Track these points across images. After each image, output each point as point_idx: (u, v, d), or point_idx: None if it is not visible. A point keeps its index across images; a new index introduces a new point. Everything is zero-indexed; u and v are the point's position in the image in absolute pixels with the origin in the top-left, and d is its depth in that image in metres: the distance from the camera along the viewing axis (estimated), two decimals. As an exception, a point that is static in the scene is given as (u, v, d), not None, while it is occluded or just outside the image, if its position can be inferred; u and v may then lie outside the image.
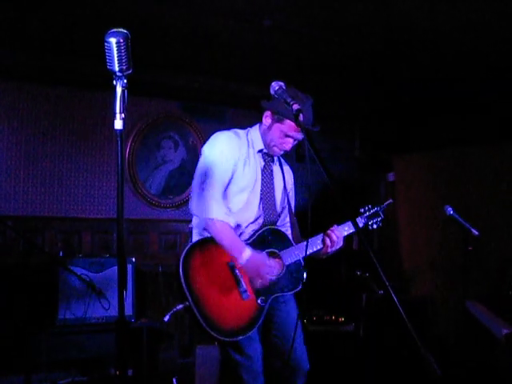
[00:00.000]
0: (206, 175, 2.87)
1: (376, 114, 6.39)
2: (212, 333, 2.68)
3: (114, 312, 4.55)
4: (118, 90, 1.82)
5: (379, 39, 4.52)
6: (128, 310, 4.64)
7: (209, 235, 2.87)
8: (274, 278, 2.86)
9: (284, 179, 3.15)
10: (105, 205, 5.36)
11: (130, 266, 4.70)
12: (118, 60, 1.76)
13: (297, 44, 4.66)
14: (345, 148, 6.50)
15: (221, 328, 2.71)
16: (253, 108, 5.62)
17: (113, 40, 1.74)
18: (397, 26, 4.24)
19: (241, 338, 2.75)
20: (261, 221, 3.01)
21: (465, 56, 4.78)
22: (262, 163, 3.05)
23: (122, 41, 1.75)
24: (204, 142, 5.95)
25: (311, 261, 3.05)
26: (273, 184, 3.08)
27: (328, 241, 2.97)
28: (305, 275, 3.00)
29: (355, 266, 5.37)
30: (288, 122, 2.86)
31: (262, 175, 3.03)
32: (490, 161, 5.49)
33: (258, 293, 2.85)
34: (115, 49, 1.75)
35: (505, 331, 3.59)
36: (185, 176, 5.71)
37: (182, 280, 2.70)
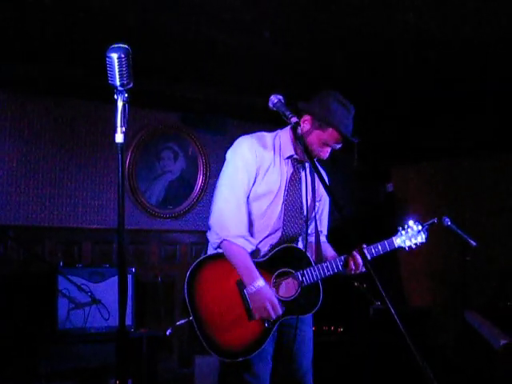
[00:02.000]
0: (228, 186, 2.73)
1: (375, 125, 6.42)
2: (212, 352, 2.59)
3: (113, 322, 4.55)
4: (119, 104, 1.84)
5: (377, 48, 4.55)
6: (128, 320, 4.64)
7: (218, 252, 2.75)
8: (280, 313, 2.65)
9: (314, 187, 2.88)
10: (105, 215, 5.38)
11: (129, 276, 4.71)
12: (119, 75, 1.78)
13: (296, 54, 4.69)
14: (343, 159, 6.51)
15: (221, 347, 2.61)
16: (253, 119, 5.71)
17: (114, 55, 1.76)
18: (395, 35, 4.27)
19: (241, 359, 2.60)
20: (279, 234, 2.80)
21: (465, 65, 4.80)
22: (291, 170, 2.83)
23: (123, 56, 1.77)
24: (204, 153, 6.00)
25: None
26: (300, 194, 2.83)
27: (352, 264, 2.73)
28: (320, 298, 2.78)
29: (354, 277, 5.38)
30: (330, 130, 2.67)
31: (289, 183, 2.81)
32: (488, 172, 5.52)
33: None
34: (116, 64, 1.77)
35: (503, 342, 3.60)
36: (184, 186, 5.74)
37: (186, 295, 2.63)
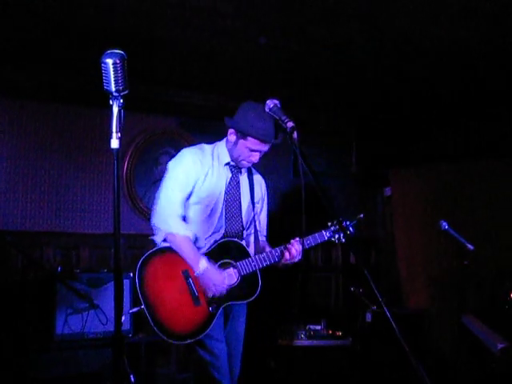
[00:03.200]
0: (168, 190, 3.06)
1: (372, 129, 6.43)
2: (161, 335, 2.87)
3: (112, 327, 4.51)
4: (115, 109, 1.85)
5: (374, 53, 4.56)
6: (126, 325, 4.65)
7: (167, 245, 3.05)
8: (224, 289, 3.00)
9: (252, 189, 3.27)
10: (103, 220, 5.38)
11: (127, 281, 4.70)
12: (114, 81, 1.79)
13: (292, 61, 4.71)
14: (341, 163, 6.53)
15: (170, 331, 2.90)
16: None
17: (109, 61, 1.77)
18: (391, 40, 4.29)
19: (189, 341, 2.93)
20: (223, 231, 3.14)
21: (461, 71, 4.82)
22: (229, 175, 3.20)
23: (118, 62, 1.78)
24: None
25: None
26: (239, 195, 3.22)
27: (287, 255, 3.07)
28: (259, 286, 3.11)
29: (353, 280, 5.38)
30: (250, 138, 3.02)
31: (228, 187, 3.17)
32: (485, 175, 5.53)
33: (210, 301, 3.00)
34: (112, 70, 1.78)
35: (500, 345, 3.59)
36: (182, 191, 5.74)
37: (138, 285, 2.92)
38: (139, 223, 5.53)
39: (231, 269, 3.07)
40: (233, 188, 3.21)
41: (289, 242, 3.10)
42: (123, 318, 3.19)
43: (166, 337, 2.89)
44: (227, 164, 3.20)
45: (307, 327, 5.14)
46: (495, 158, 5.46)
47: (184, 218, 3.12)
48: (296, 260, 3.09)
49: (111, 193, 5.38)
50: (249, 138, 3.04)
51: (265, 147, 3.08)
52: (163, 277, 2.98)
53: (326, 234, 3.19)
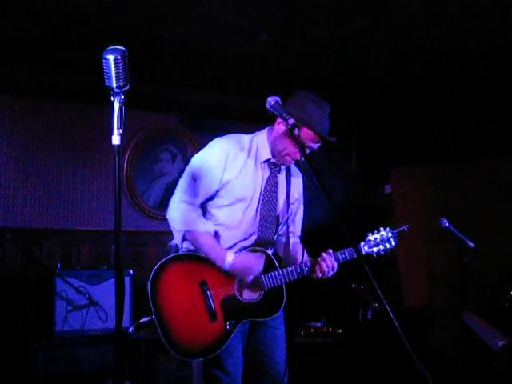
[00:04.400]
0: (189, 184, 2.75)
1: (373, 129, 6.42)
2: (171, 350, 2.62)
3: (111, 324, 4.55)
4: (116, 105, 1.83)
5: (374, 53, 4.56)
6: (126, 323, 4.64)
7: (185, 250, 2.81)
8: (259, 270, 2.72)
9: (289, 190, 2.89)
10: (103, 217, 5.37)
11: (127, 278, 4.70)
12: (115, 77, 1.78)
13: (293, 58, 4.70)
14: (341, 161, 6.52)
15: (180, 347, 2.63)
16: (250, 121, 5.71)
17: (111, 57, 1.76)
18: (391, 40, 4.28)
19: (201, 359, 2.66)
20: (254, 238, 2.82)
21: (461, 71, 4.82)
22: (267, 174, 2.83)
23: (119, 58, 1.76)
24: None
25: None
26: (276, 199, 2.84)
27: (318, 271, 2.72)
28: (283, 303, 2.79)
29: (353, 277, 5.38)
30: (305, 130, 2.64)
31: (264, 189, 2.81)
32: (486, 174, 5.52)
33: (228, 316, 2.71)
34: (113, 66, 1.76)
35: (501, 343, 3.59)
36: (183, 188, 5.73)
37: (149, 294, 2.65)
38: (139, 220, 5.53)
39: (255, 282, 2.76)
40: (270, 190, 2.82)
41: (320, 256, 2.74)
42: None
43: (176, 352, 2.62)
44: (266, 161, 2.81)
45: (307, 324, 5.13)
46: (495, 157, 5.45)
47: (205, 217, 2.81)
48: (329, 275, 2.73)
49: (111, 189, 5.38)
50: (302, 130, 2.62)
51: (316, 144, 2.71)
52: (178, 287, 2.70)
53: (363, 248, 2.84)
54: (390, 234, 2.91)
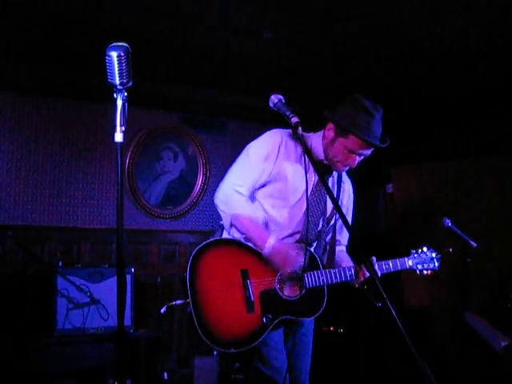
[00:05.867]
0: (240, 170, 2.69)
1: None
2: (204, 338, 2.48)
3: (112, 322, 4.55)
4: (119, 102, 1.83)
5: (374, 53, 4.55)
6: (127, 321, 4.64)
7: (230, 237, 2.72)
8: (291, 269, 2.60)
9: (337, 196, 2.84)
10: (104, 215, 5.37)
11: (128, 277, 4.70)
12: (118, 73, 1.77)
13: (296, 56, 4.69)
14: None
15: (215, 335, 2.51)
16: (253, 120, 5.71)
17: (114, 54, 1.75)
18: (391, 40, 4.28)
19: (233, 350, 2.53)
20: (297, 236, 2.73)
21: (461, 71, 4.81)
22: (318, 176, 2.73)
23: (122, 54, 1.76)
24: (203, 153, 5.99)
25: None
26: (325, 201, 2.78)
27: (362, 277, 2.68)
28: (323, 305, 2.69)
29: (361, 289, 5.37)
30: (352, 137, 2.59)
31: (314, 188, 2.75)
32: (488, 173, 5.51)
33: (265, 309, 2.58)
34: (116, 62, 1.75)
35: (503, 343, 3.59)
36: (184, 186, 5.73)
37: (188, 277, 2.53)
38: (140, 218, 5.53)
39: (296, 281, 2.66)
40: (319, 191, 2.76)
41: (364, 262, 2.59)
42: (162, 310, 2.92)
43: (210, 341, 2.48)
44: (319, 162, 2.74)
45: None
46: (496, 156, 5.45)
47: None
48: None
49: (112, 188, 5.37)
50: (350, 137, 2.59)
51: (367, 150, 2.64)
52: (218, 273, 2.58)
53: (407, 262, 2.83)
54: (433, 255, 2.91)
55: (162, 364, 5.19)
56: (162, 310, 2.88)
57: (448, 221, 4.11)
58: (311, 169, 2.69)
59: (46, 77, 5.01)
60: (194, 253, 2.58)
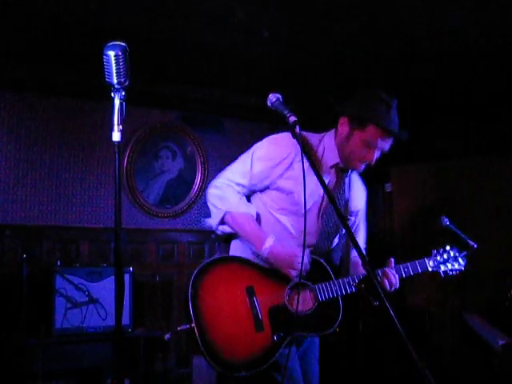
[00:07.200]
0: (241, 168, 2.55)
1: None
2: (211, 362, 2.33)
3: (111, 321, 4.54)
4: (116, 102, 1.82)
5: (374, 53, 4.55)
6: (125, 320, 4.63)
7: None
8: (295, 272, 2.41)
9: (349, 199, 2.65)
10: (102, 214, 5.36)
11: (127, 276, 4.70)
12: (116, 73, 1.76)
13: (296, 56, 4.69)
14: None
15: (222, 359, 2.34)
16: (251, 119, 5.71)
17: (111, 53, 1.74)
18: (391, 40, 4.27)
19: (244, 374, 2.33)
20: (310, 249, 2.53)
21: (461, 71, 4.81)
22: (334, 180, 2.56)
23: (120, 54, 1.75)
24: (202, 152, 5.98)
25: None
26: (340, 206, 2.57)
27: (386, 282, 2.48)
28: (339, 319, 2.49)
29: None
30: (371, 127, 2.39)
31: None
32: (487, 173, 5.52)
33: (275, 327, 2.42)
34: (114, 62, 1.75)
35: (501, 342, 3.58)
36: (182, 186, 5.72)
37: (190, 299, 2.39)
38: (138, 217, 5.52)
39: (307, 292, 2.48)
40: (335, 197, 2.54)
41: (382, 271, 2.49)
42: (166, 336, 2.79)
43: (216, 364, 2.32)
44: (333, 166, 2.55)
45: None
46: (496, 156, 5.45)
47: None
48: (396, 288, 2.50)
49: (110, 187, 5.36)
50: (368, 128, 2.39)
51: (386, 143, 2.45)
52: (222, 292, 2.44)
53: (428, 263, 2.65)
54: (457, 254, 2.74)
55: (162, 363, 5.20)
56: (167, 337, 2.78)
57: (446, 219, 4.10)
58: (326, 175, 2.53)
59: (46, 77, 5.01)
60: (194, 274, 2.45)
